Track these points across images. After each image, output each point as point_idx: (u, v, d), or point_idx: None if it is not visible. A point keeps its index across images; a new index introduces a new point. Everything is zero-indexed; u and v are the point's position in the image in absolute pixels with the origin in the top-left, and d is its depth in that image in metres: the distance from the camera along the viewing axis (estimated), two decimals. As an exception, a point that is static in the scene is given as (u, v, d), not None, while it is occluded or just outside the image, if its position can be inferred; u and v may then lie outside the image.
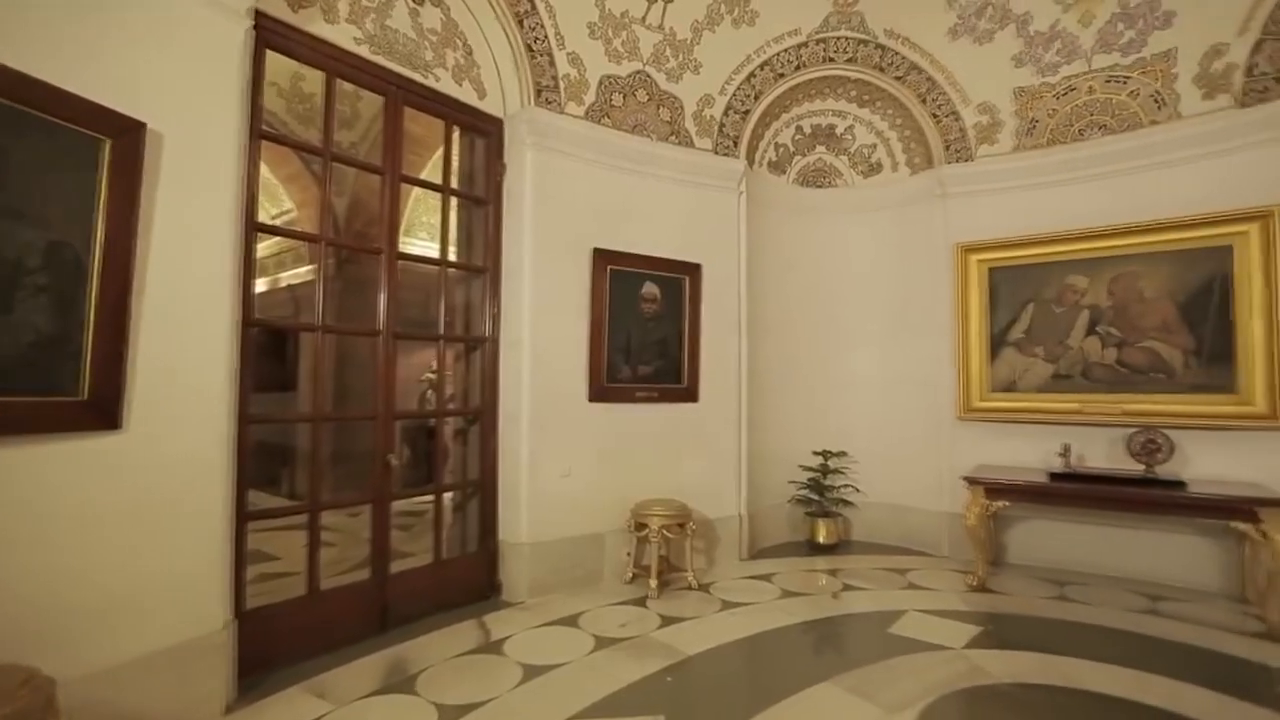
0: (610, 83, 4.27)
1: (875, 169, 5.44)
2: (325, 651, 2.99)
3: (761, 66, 4.79)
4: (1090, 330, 4.36)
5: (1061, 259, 4.46)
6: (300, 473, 6.58)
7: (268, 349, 7.22)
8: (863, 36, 4.79)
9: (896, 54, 4.83)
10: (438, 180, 3.82)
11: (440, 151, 3.88)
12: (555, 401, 3.99)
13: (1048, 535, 4.54)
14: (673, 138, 4.59)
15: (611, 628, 3.37)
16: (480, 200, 3.97)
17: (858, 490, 5.21)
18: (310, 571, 3.05)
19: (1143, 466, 3.95)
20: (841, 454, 5.18)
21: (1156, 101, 4.26)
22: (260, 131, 2.85)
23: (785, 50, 4.78)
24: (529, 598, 3.77)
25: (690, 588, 4.01)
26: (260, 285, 7.72)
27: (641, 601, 3.78)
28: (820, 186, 5.59)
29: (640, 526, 3.98)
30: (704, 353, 4.63)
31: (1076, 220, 4.43)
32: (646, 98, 4.45)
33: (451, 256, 3.94)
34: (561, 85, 4.05)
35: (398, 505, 3.50)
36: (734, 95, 4.78)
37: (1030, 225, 4.59)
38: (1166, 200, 4.16)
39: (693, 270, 4.59)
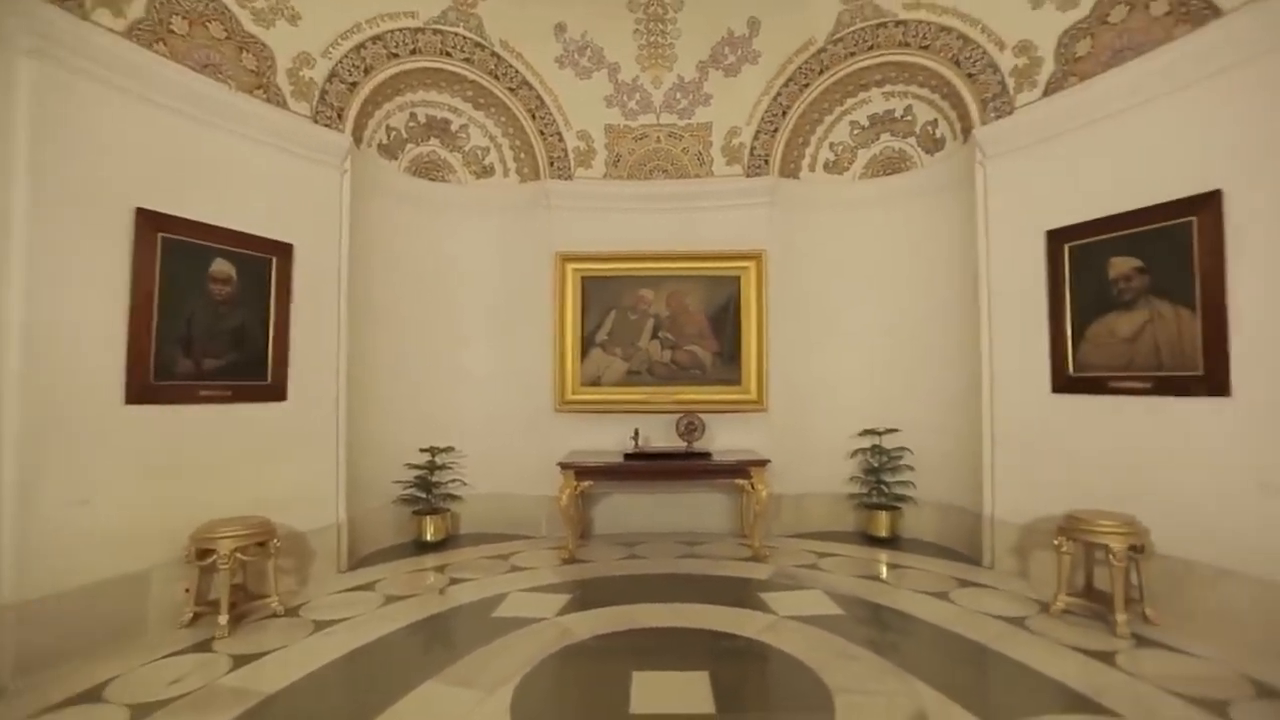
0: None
1: (488, 171, 5.63)
2: None
3: (374, 39, 4.47)
4: (654, 334, 5.38)
5: (637, 274, 5.38)
6: None
7: None
8: (480, 40, 4.90)
9: (511, 66, 5.10)
10: None
11: None
12: (69, 405, 2.99)
13: (624, 506, 5.41)
14: (260, 91, 3.91)
15: (159, 688, 2.68)
16: (-76, 111, 2.68)
17: (465, 484, 5.32)
18: None
19: (685, 444, 5.05)
20: (449, 449, 5.21)
21: (699, 160, 5.50)
22: None
23: (401, 30, 4.57)
24: (15, 680, 2.71)
25: (275, 615, 3.48)
26: None
27: (207, 645, 3.11)
28: (434, 179, 5.51)
29: (205, 554, 3.27)
30: (296, 345, 4.08)
31: (648, 243, 5.40)
32: (224, 34, 3.69)
33: None
34: (86, -18, 3.04)
35: None
36: (341, 62, 4.34)
37: (615, 242, 5.39)
38: (705, 235, 5.40)
39: (283, 250, 4.00)
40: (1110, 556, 3.21)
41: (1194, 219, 3.24)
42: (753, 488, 4.63)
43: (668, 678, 2.77)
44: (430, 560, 4.62)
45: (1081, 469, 3.76)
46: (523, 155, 5.54)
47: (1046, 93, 3.99)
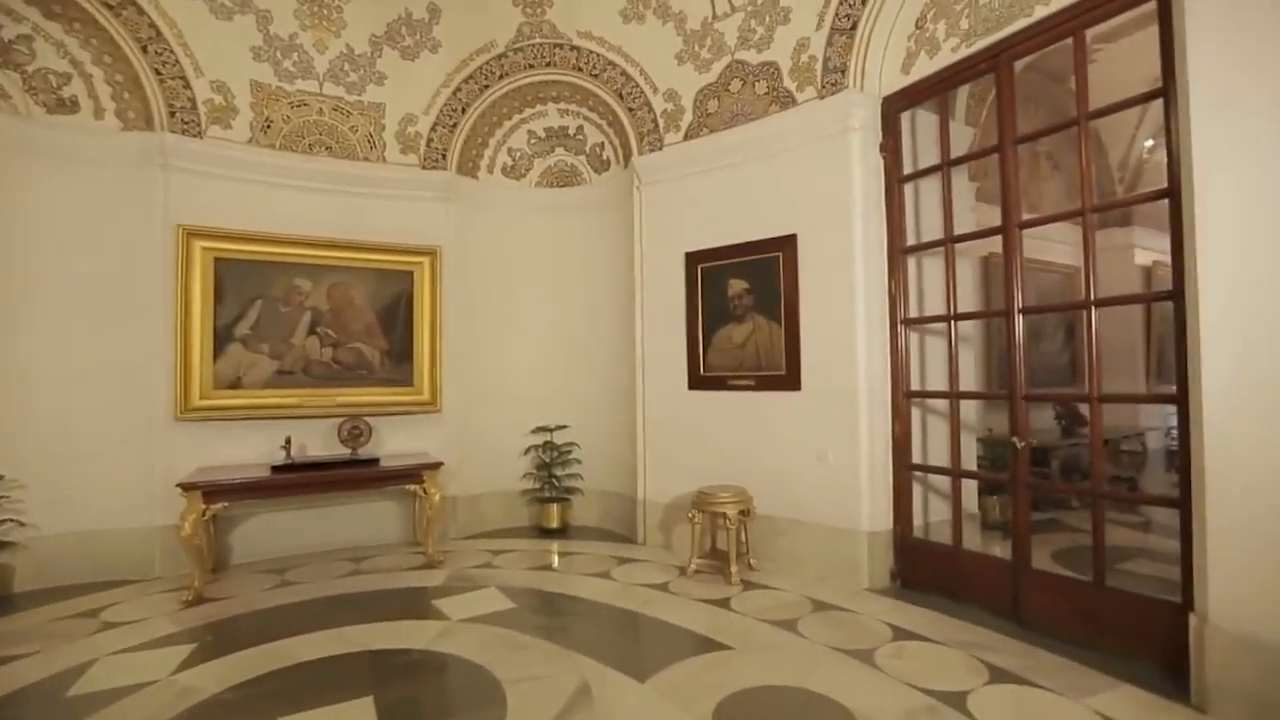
0: None
1: (69, 106, 4.25)
2: None
3: None
4: (312, 330, 4.76)
5: (290, 261, 4.68)
6: None
7: None
8: (54, -70, 3.69)
9: (107, -23, 3.95)
10: None
11: None
12: None
13: (273, 527, 4.65)
14: None
15: None
16: None
17: (24, 524, 3.93)
18: None
19: (349, 450, 4.59)
20: (-3, 478, 3.80)
21: (370, 142, 5.06)
22: None
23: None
24: None
25: None
26: None
27: None
28: (-30, 103, 3.94)
29: None
30: None
31: (305, 227, 4.74)
32: None
33: None
34: None
35: None
36: None
37: (262, 222, 4.61)
38: (375, 225, 4.99)
39: None
40: (726, 521, 3.97)
41: (780, 254, 4.22)
42: (425, 492, 4.45)
43: (323, 715, 2.47)
44: (-46, 637, 3.28)
45: (709, 452, 4.57)
46: (128, 95, 4.33)
47: (687, 137, 4.75)
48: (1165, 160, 2.67)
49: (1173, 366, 2.65)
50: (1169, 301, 2.65)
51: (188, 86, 4.38)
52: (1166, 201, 2.66)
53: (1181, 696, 2.47)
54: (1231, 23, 2.32)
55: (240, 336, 4.52)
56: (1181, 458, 2.59)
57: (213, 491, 3.84)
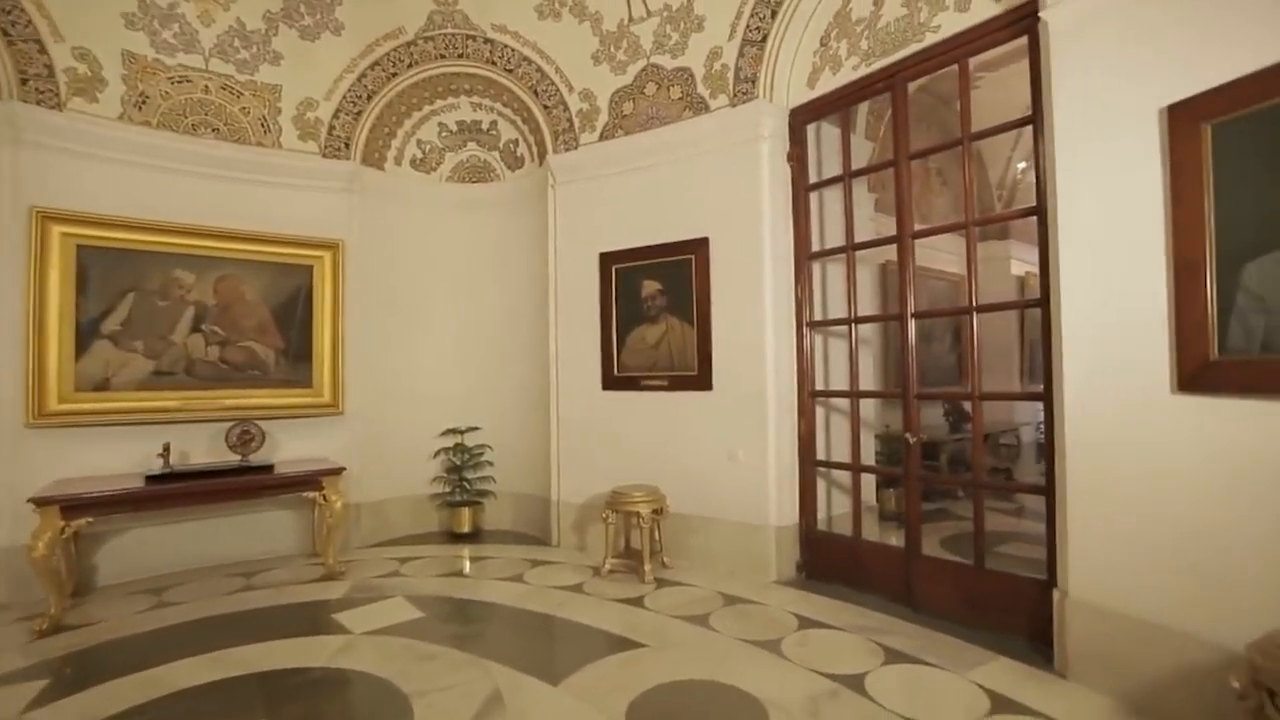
0: None
1: (-109, 68, 3.70)
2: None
3: None
4: (195, 327, 4.37)
5: (169, 251, 4.27)
6: None
7: None
8: None
9: (-59, -78, 3.46)
10: None
11: None
12: None
13: (148, 542, 4.23)
14: None
15: None
16: None
17: None
18: None
19: (239, 457, 4.26)
20: None
21: (264, 126, 4.72)
22: None
23: None
24: None
25: None
26: None
27: None
28: None
29: None
30: None
31: (187, 214, 4.35)
32: None
33: None
34: None
35: None
36: None
37: (136, 207, 4.19)
38: (270, 215, 4.65)
39: None
40: (640, 521, 4.00)
41: (693, 256, 4.31)
42: (325, 499, 4.21)
43: (208, 744, 2.28)
44: None
45: (623, 452, 4.59)
46: (-31, 60, 3.81)
47: (602, 138, 4.75)
48: (1035, 181, 2.95)
49: (1042, 367, 2.93)
50: (1039, 308, 2.92)
51: (43, 51, 3.90)
52: (1036, 218, 2.94)
53: (1048, 665, 2.73)
54: (1090, 62, 2.59)
55: (109, 333, 4.09)
56: (1048, 449, 2.87)
57: (73, 506, 3.44)
